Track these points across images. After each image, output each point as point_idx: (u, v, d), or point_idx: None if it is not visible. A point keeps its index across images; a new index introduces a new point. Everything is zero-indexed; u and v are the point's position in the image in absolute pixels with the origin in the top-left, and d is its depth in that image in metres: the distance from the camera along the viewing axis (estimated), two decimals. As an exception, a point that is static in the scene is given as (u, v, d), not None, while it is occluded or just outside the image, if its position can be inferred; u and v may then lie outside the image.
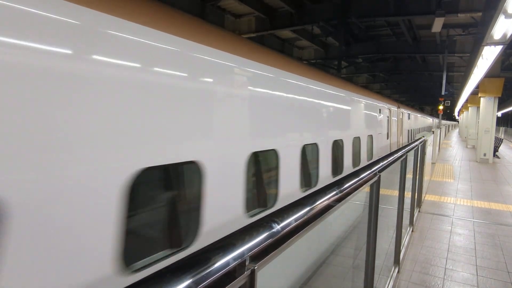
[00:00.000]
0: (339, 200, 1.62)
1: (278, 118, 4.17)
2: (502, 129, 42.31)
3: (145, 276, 0.78)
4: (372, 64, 22.15)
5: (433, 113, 50.20)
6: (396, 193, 4.44)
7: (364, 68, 22.87)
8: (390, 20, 14.03)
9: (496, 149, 17.90)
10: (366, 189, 2.57)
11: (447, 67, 17.82)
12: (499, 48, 7.66)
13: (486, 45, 7.35)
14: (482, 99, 16.04)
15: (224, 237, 1.07)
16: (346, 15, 11.90)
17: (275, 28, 13.20)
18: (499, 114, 35.43)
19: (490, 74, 12.97)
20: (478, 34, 8.82)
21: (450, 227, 6.26)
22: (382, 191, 2.83)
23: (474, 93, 18.25)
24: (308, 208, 1.42)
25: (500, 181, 11.10)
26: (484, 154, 15.87)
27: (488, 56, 8.47)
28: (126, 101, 2.11)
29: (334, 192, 1.62)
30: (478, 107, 17.67)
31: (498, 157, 17.79)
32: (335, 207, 1.58)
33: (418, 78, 26.73)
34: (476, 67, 10.35)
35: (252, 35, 13.24)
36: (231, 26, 13.08)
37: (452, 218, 6.85)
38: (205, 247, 1.02)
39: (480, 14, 10.40)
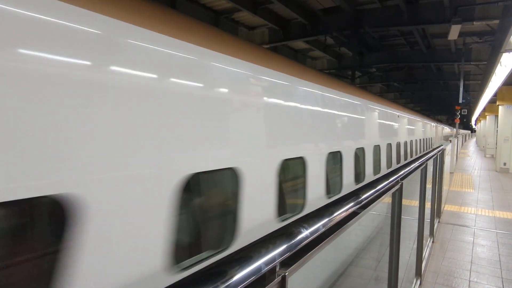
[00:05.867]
0: (364, 206, 1.59)
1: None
2: (521, 138, 41.24)
3: (180, 279, 0.78)
4: (386, 73, 21.99)
5: (450, 122, 49.38)
6: (413, 203, 4.35)
7: (378, 77, 22.71)
8: (403, 30, 13.95)
9: (516, 159, 17.42)
10: (385, 199, 2.52)
11: (463, 75, 17.56)
12: (518, 55, 7.52)
13: (504, 52, 7.22)
14: (500, 107, 15.72)
15: (253, 242, 1.06)
16: (359, 25, 11.89)
17: (288, 39, 13.26)
18: (518, 122, 34.67)
19: (508, 82, 12.71)
20: (496, 41, 8.69)
21: (472, 238, 6.07)
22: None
23: (492, 101, 17.91)
24: (334, 215, 1.40)
25: (522, 191, 10.78)
26: (504, 164, 15.46)
27: (507, 63, 8.32)
28: None
29: (360, 199, 1.59)
30: (496, 116, 17.31)
31: (518, 167, 17.29)
32: (360, 213, 1.55)
33: (433, 87, 26.38)
34: (494, 74, 10.16)
35: (266, 46, 13.34)
36: (245, 38, 13.23)
37: (474, 229, 6.66)
38: (235, 252, 1.01)
39: (496, 21, 10.26)
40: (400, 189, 2.59)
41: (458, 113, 18.54)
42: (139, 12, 2.03)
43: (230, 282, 0.87)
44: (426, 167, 4.27)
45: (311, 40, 14.21)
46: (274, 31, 13.12)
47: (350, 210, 1.50)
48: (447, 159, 8.61)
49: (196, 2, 10.47)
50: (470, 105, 28.56)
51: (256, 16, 11.11)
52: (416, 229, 4.34)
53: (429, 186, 5.39)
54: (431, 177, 5.65)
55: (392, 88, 27.61)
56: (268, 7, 11.40)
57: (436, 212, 6.62)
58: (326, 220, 1.32)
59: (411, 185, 4.13)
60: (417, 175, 4.07)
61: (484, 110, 24.05)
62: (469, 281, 4.44)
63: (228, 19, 11.97)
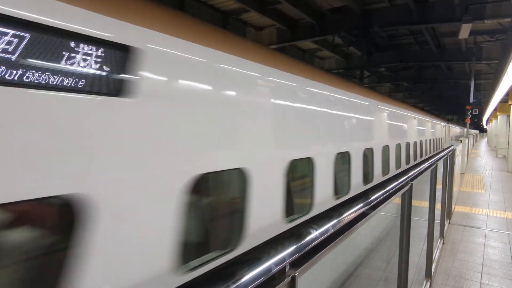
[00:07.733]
0: (374, 207, 1.59)
1: None
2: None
3: (191, 279, 0.79)
4: (395, 73, 21.83)
5: (460, 122, 48.80)
6: (423, 204, 4.31)
7: (387, 77, 22.55)
8: (413, 29, 13.83)
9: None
10: (394, 200, 2.51)
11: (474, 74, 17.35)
12: (530, 54, 7.41)
13: (516, 51, 7.12)
14: (512, 107, 15.50)
15: (263, 243, 1.06)
16: (367, 24, 11.82)
17: (296, 39, 13.25)
18: (531, 122, 34.13)
19: (520, 81, 12.52)
20: (508, 40, 8.57)
21: (484, 240, 5.99)
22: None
23: (504, 100, 17.67)
24: (343, 216, 1.40)
25: (535, 192, 10.59)
26: (517, 164, 15.22)
27: (519, 62, 8.20)
28: None
29: (369, 200, 1.59)
30: (508, 115, 17.08)
31: (531, 167, 17.01)
32: (370, 214, 1.55)
33: (443, 86, 26.12)
34: (506, 73, 10.02)
35: (274, 46, 13.34)
36: (253, 39, 13.24)
37: (485, 230, 6.56)
38: (244, 253, 1.02)
39: (507, 20, 10.11)
40: (410, 190, 2.58)
41: (469, 113, 18.33)
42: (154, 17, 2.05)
43: (240, 282, 0.88)
44: (436, 168, 4.23)
45: (319, 40, 14.17)
46: (282, 31, 13.12)
47: (360, 211, 1.50)
48: (458, 159, 8.51)
49: (204, 3, 10.52)
50: (481, 105, 28.21)
51: (264, 16, 11.13)
52: (426, 230, 4.30)
53: (439, 187, 5.34)
54: (441, 178, 5.59)
55: (401, 88, 27.40)
56: (276, 8, 11.41)
57: (447, 213, 6.55)
58: (335, 221, 1.32)
59: (421, 186, 4.10)
60: (427, 175, 4.04)
61: (496, 109, 23.72)
62: (481, 283, 4.38)
63: (236, 19, 12.00)
